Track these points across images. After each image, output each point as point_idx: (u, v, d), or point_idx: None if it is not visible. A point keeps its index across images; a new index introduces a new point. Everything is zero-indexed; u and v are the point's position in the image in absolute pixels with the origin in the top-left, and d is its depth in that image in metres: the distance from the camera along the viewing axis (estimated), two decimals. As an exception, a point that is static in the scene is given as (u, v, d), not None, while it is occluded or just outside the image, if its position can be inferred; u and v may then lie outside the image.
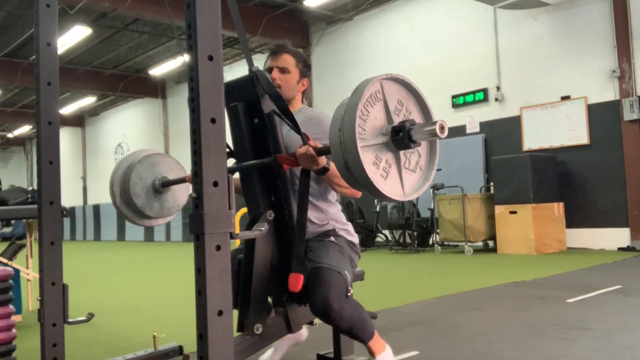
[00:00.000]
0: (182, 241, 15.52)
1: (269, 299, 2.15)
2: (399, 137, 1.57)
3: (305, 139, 1.88)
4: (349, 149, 1.52)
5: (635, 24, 8.09)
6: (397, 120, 1.62)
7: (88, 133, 23.13)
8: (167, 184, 2.51)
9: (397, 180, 1.62)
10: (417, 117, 1.70)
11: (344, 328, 2.02)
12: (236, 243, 6.76)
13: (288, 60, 2.27)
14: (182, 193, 2.63)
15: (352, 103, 1.55)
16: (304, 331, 2.66)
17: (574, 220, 8.60)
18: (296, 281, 1.93)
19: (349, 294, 2.03)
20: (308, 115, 2.26)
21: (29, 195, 4.51)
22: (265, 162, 1.98)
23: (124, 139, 20.46)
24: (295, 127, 1.92)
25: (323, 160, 1.88)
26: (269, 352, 2.62)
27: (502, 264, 6.95)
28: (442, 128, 1.53)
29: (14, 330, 2.50)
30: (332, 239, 2.17)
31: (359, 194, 2.04)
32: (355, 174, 1.54)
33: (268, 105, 1.98)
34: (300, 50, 2.37)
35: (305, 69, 2.33)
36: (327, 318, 1.96)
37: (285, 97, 2.18)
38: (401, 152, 1.63)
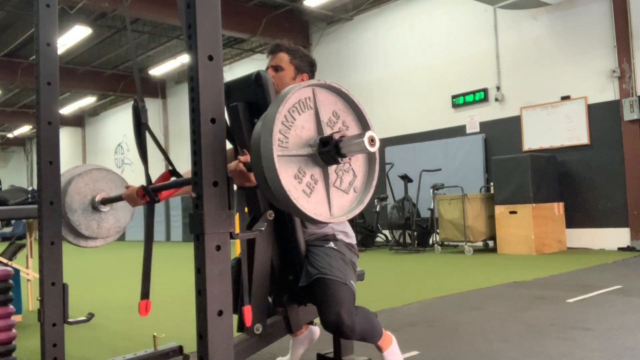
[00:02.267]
0: (182, 241, 15.52)
1: (269, 299, 2.15)
2: (326, 150, 1.40)
3: (241, 152, 1.70)
4: (266, 155, 1.34)
5: (635, 24, 8.09)
6: (330, 133, 1.45)
7: (88, 133, 23.12)
8: (107, 201, 2.34)
9: (324, 200, 1.44)
10: (355, 131, 1.52)
11: (357, 339, 2.04)
12: (236, 243, 6.76)
13: (282, 58, 2.26)
14: (125, 213, 2.44)
15: (273, 106, 1.39)
16: (316, 330, 2.65)
17: (574, 220, 8.60)
18: (247, 315, 1.76)
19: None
20: None
21: (29, 195, 4.51)
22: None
23: (124, 139, 20.46)
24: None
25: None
26: (285, 359, 2.62)
27: (502, 264, 6.95)
28: (371, 140, 1.36)
29: (14, 330, 2.50)
30: (332, 244, 2.16)
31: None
32: (272, 187, 1.36)
33: None
34: (298, 47, 2.33)
35: (303, 64, 2.29)
36: (340, 333, 1.97)
37: None
38: (331, 169, 1.45)
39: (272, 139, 1.32)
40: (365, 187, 1.53)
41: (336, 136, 1.40)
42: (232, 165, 1.66)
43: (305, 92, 1.43)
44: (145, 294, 1.99)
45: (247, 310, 1.73)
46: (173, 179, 1.94)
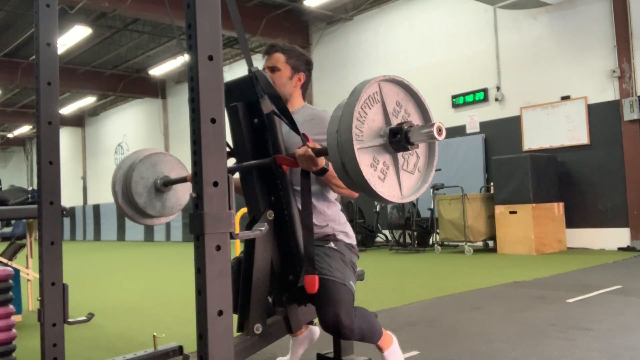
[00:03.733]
0: (182, 241, 15.52)
1: (269, 299, 2.15)
2: (397, 139, 1.56)
3: (304, 140, 1.87)
4: (346, 150, 1.50)
5: (635, 24, 8.09)
6: (395, 122, 1.60)
7: (88, 133, 23.12)
8: (168, 183, 2.51)
9: (395, 182, 1.60)
10: (415, 118, 1.68)
11: (356, 339, 2.04)
12: (236, 243, 6.76)
13: (277, 58, 2.25)
14: (184, 192, 2.62)
15: (349, 104, 1.54)
16: (316, 330, 2.65)
17: (574, 220, 8.60)
18: (312, 283, 1.91)
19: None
20: (309, 114, 2.24)
21: (29, 195, 4.51)
22: (264, 162, 1.98)
23: (124, 139, 20.46)
24: (294, 127, 1.91)
25: (322, 161, 1.87)
26: (285, 359, 2.62)
27: (502, 264, 6.95)
28: (439, 130, 1.52)
29: (14, 330, 2.50)
30: (332, 244, 2.16)
31: (356, 194, 2.03)
32: (353, 176, 1.53)
33: (267, 106, 1.97)
34: (294, 47, 2.32)
35: (299, 63, 2.27)
36: (338, 334, 1.98)
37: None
38: (399, 154, 1.61)
39: (351, 135, 1.49)
40: (428, 167, 1.70)
41: (405, 127, 1.55)
42: (300, 150, 1.85)
43: (373, 87, 1.59)
44: None
45: (309, 279, 1.90)
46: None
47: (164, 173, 2.54)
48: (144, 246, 14.74)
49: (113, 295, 5.60)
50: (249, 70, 1.95)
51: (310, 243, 1.95)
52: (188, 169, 2.40)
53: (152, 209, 2.50)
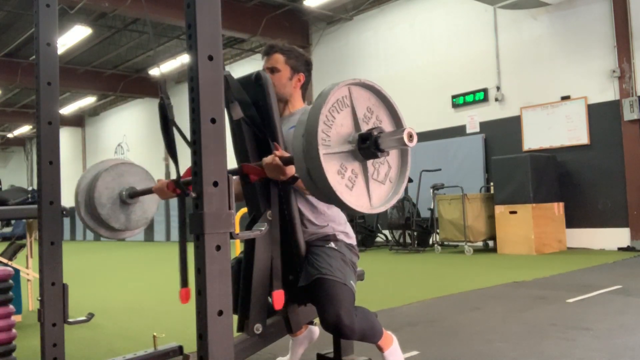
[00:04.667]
0: (182, 241, 15.51)
1: (269, 299, 2.15)
2: (366, 146, 1.48)
3: (273, 147, 1.81)
4: (312, 155, 1.41)
5: (635, 24, 8.09)
6: (365, 128, 1.52)
7: (88, 133, 23.12)
8: (134, 194, 2.40)
9: (364, 192, 1.52)
10: (387, 125, 1.60)
11: (356, 339, 2.04)
12: (236, 243, 6.76)
13: (277, 59, 2.24)
14: (151, 205, 2.50)
15: (316, 107, 1.46)
16: (316, 330, 2.65)
17: (574, 220, 8.60)
18: (279, 299, 1.91)
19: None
20: None
21: (29, 195, 4.51)
22: (233, 170, 1.91)
23: (124, 139, 20.46)
24: (264, 135, 1.89)
25: (291, 171, 1.79)
26: (285, 359, 2.62)
27: (502, 264, 6.95)
28: (410, 136, 1.44)
29: (14, 330, 2.50)
30: (333, 244, 2.16)
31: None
32: (318, 183, 1.44)
33: (237, 112, 1.94)
34: (293, 47, 2.31)
35: (299, 63, 2.27)
36: (339, 334, 1.97)
37: (278, 95, 2.16)
38: (369, 162, 1.53)
39: (317, 139, 1.40)
40: (400, 177, 1.63)
41: (375, 132, 1.48)
42: (268, 159, 1.78)
43: (342, 91, 1.51)
44: (184, 282, 2.10)
45: (278, 294, 1.87)
46: None
47: (130, 184, 2.42)
48: (144, 246, 14.74)
49: (113, 295, 5.60)
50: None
51: (277, 256, 1.95)
52: (155, 180, 2.33)
53: (116, 221, 2.39)
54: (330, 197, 1.45)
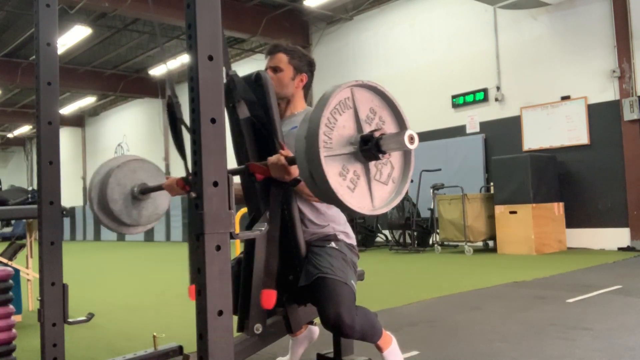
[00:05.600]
0: (182, 241, 15.52)
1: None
2: (368, 147, 1.48)
3: (279, 147, 1.82)
4: (313, 157, 1.42)
5: (635, 24, 8.09)
6: (368, 129, 1.52)
7: (88, 133, 23.13)
8: (146, 190, 2.42)
9: (366, 193, 1.52)
10: (391, 126, 1.60)
11: (357, 338, 2.04)
12: (236, 243, 6.76)
13: (280, 59, 2.24)
14: (162, 201, 2.53)
15: (317, 109, 1.46)
16: (316, 330, 2.65)
17: (574, 220, 8.60)
18: (269, 298, 1.90)
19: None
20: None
21: (29, 195, 4.51)
22: (239, 169, 1.92)
23: (124, 139, 20.46)
24: (269, 134, 1.89)
25: (296, 171, 1.78)
26: (285, 359, 2.62)
27: (502, 264, 6.95)
28: (411, 139, 1.43)
29: (14, 330, 2.50)
30: (333, 244, 2.16)
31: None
32: (320, 185, 1.44)
33: (243, 111, 1.94)
34: (297, 47, 2.31)
35: (302, 64, 2.27)
36: (340, 332, 1.97)
37: (280, 95, 2.16)
38: (371, 164, 1.53)
39: (318, 142, 1.40)
40: (403, 178, 1.62)
41: (377, 134, 1.47)
42: (273, 158, 1.78)
43: (345, 93, 1.50)
44: (194, 278, 2.06)
45: (267, 294, 1.87)
46: None
47: (142, 180, 2.46)
48: (144, 246, 14.74)
49: (113, 295, 5.60)
50: (227, 74, 1.94)
51: (274, 256, 1.94)
52: (169, 175, 2.37)
53: (128, 217, 2.42)
54: (332, 199, 1.45)
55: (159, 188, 2.37)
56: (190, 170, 1.94)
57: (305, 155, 1.45)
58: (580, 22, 8.63)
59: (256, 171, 1.85)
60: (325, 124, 1.44)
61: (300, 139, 1.48)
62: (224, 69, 1.89)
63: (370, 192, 1.53)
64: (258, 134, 2.06)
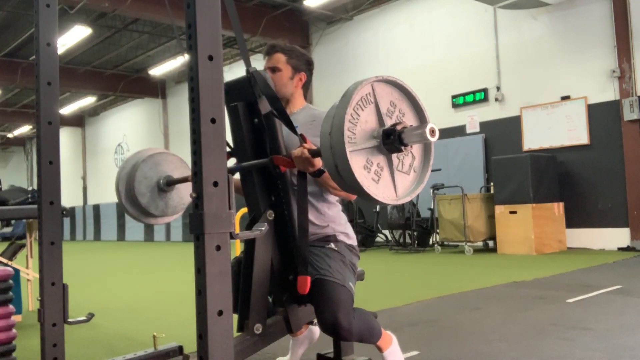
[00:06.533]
0: (182, 241, 15.52)
1: (269, 299, 2.15)
2: (390, 141, 1.54)
3: (302, 140, 1.86)
4: (338, 153, 1.49)
5: (635, 24, 8.09)
6: (389, 122, 1.58)
7: (88, 133, 23.12)
8: (171, 182, 2.50)
9: (390, 184, 1.58)
10: (410, 118, 1.66)
11: (354, 341, 2.04)
12: (236, 243, 6.76)
13: (278, 59, 2.25)
14: (187, 192, 2.60)
15: (341, 107, 1.52)
16: (316, 330, 2.65)
17: (574, 220, 8.60)
18: (304, 284, 1.93)
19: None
20: (310, 115, 2.23)
21: (29, 195, 4.51)
22: (262, 162, 1.98)
23: (124, 139, 20.46)
24: (291, 128, 1.91)
25: (319, 163, 1.85)
26: (285, 359, 2.62)
27: (502, 264, 6.95)
28: (432, 131, 1.49)
29: (14, 330, 2.50)
30: (333, 245, 2.16)
31: (353, 196, 2.02)
32: (345, 178, 1.51)
33: (265, 106, 1.97)
34: (294, 47, 2.31)
35: (300, 63, 2.27)
36: (337, 335, 1.98)
37: (279, 95, 2.17)
38: (394, 155, 1.59)
39: (343, 138, 1.46)
40: (424, 167, 1.68)
41: (399, 127, 1.53)
42: (297, 151, 1.84)
43: (366, 89, 1.56)
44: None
45: (302, 280, 1.93)
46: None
47: (166, 172, 2.53)
48: (144, 246, 14.74)
49: (113, 295, 5.60)
50: (247, 71, 1.95)
51: (305, 244, 1.95)
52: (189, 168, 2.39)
53: (155, 208, 2.50)
54: (358, 191, 1.51)
55: (184, 180, 2.45)
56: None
57: (331, 150, 1.51)
58: (580, 22, 8.63)
59: (280, 163, 1.92)
60: (348, 120, 1.50)
61: (325, 135, 1.54)
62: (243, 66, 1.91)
63: (394, 183, 1.59)
64: (258, 131, 2.06)
